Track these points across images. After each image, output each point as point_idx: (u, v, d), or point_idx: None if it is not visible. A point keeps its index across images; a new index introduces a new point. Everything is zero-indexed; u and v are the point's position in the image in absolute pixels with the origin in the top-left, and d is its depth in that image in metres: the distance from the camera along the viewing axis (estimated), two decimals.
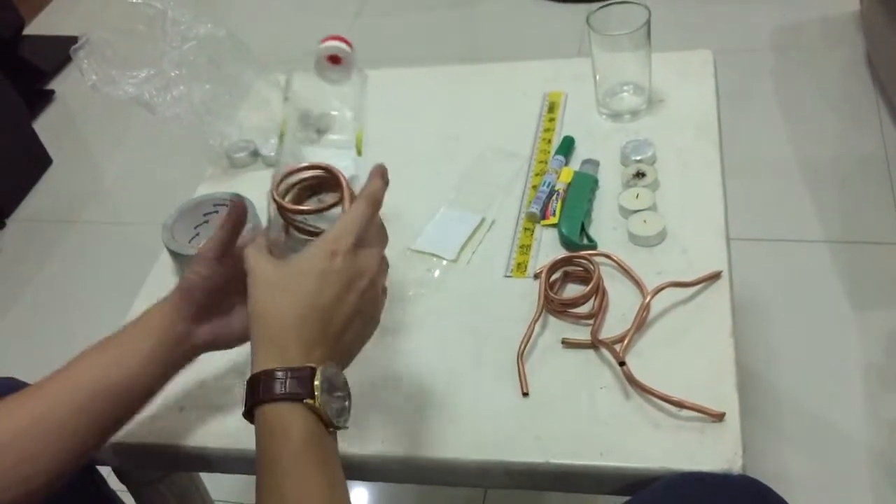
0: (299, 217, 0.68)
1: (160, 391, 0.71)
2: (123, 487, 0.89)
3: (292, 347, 0.59)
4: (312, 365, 0.58)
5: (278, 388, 0.57)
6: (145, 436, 0.78)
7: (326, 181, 0.69)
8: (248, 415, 0.59)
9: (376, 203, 0.66)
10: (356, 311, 0.63)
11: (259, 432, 0.58)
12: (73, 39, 1.00)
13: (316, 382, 0.57)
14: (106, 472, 0.87)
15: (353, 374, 0.63)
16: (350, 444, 0.73)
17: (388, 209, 0.65)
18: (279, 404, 0.57)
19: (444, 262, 0.88)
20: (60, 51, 2.30)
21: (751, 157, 1.73)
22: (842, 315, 1.47)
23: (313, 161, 0.69)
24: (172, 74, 0.99)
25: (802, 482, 1.27)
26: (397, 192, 0.98)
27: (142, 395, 0.70)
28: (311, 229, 0.68)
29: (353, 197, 0.67)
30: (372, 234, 0.65)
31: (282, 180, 0.68)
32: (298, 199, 0.69)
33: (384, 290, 0.67)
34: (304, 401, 0.57)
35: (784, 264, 1.58)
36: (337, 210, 0.67)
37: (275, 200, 0.67)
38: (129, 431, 0.77)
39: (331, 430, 0.59)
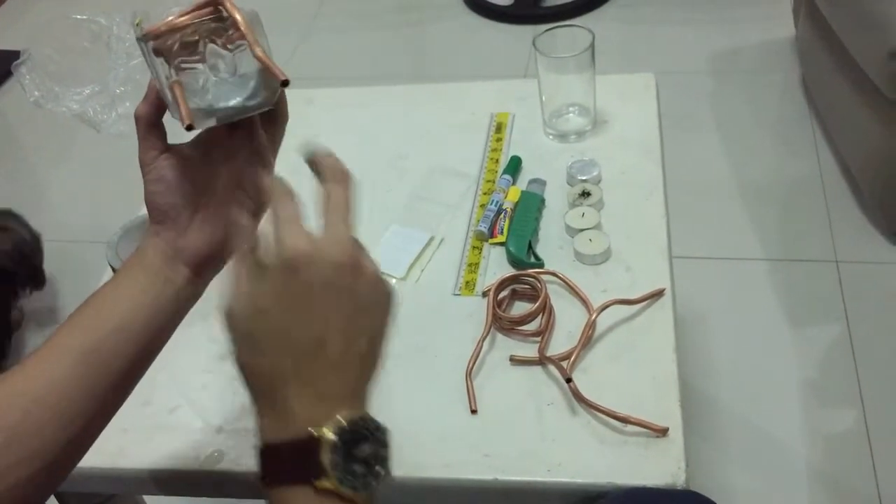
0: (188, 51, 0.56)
1: (168, 337, 0.62)
2: None
3: (293, 402, 0.47)
4: (313, 432, 0.46)
5: (280, 469, 0.47)
6: (86, 458, 0.76)
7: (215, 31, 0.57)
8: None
9: (347, 176, 0.53)
10: (370, 326, 0.51)
11: None
12: (14, 54, 0.98)
13: (324, 457, 0.46)
14: None
15: None
16: None
17: None
18: (284, 489, 0.47)
19: (394, 280, 0.89)
20: (1, 65, 2.25)
21: (692, 177, 1.77)
22: (780, 331, 1.51)
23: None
24: (118, 91, 0.98)
25: (744, 495, 1.30)
26: None
27: (140, 345, 0.60)
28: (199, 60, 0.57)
29: (256, 40, 0.56)
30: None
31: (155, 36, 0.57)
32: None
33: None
34: (314, 482, 0.46)
35: (724, 281, 1.62)
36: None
37: (147, 36, 0.55)
38: None
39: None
